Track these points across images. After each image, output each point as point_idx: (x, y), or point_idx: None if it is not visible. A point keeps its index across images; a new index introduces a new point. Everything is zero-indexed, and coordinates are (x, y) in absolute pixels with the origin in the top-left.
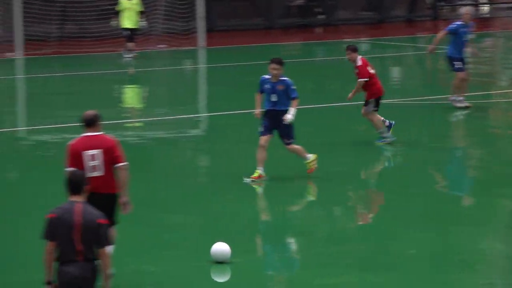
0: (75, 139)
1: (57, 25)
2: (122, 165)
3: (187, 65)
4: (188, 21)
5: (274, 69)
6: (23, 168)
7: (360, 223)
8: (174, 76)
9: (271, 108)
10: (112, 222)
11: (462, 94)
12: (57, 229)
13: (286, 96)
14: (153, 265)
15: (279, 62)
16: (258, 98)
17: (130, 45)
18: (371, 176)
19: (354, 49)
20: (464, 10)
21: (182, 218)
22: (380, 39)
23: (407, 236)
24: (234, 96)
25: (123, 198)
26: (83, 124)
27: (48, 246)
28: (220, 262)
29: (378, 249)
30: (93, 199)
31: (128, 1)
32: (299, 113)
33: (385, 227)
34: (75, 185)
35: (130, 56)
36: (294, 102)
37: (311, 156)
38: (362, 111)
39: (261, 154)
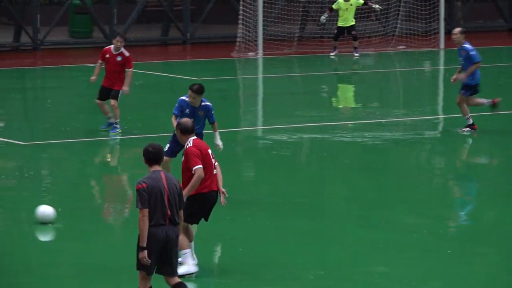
0: (191, 141)
1: (298, 25)
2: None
3: (426, 67)
4: (429, 22)
5: (191, 96)
6: (260, 167)
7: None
8: (412, 77)
9: None
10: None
11: None
12: (151, 197)
13: (204, 121)
14: (385, 267)
15: (197, 91)
16: (174, 120)
17: (337, 43)
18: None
19: (125, 39)
20: None
21: (415, 220)
22: None
23: None
24: None
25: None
26: (189, 131)
27: (143, 214)
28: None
29: None
30: (212, 197)
31: (345, 2)
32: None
33: None
34: (156, 155)
35: (333, 53)
36: (215, 126)
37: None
38: (113, 102)
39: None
